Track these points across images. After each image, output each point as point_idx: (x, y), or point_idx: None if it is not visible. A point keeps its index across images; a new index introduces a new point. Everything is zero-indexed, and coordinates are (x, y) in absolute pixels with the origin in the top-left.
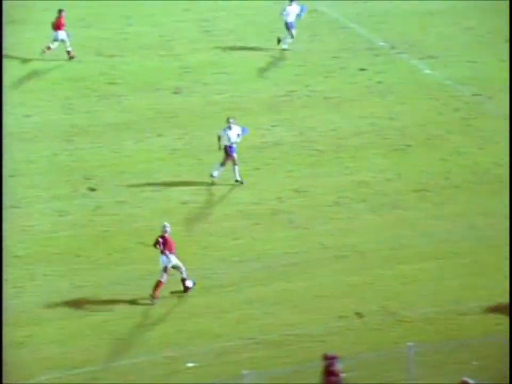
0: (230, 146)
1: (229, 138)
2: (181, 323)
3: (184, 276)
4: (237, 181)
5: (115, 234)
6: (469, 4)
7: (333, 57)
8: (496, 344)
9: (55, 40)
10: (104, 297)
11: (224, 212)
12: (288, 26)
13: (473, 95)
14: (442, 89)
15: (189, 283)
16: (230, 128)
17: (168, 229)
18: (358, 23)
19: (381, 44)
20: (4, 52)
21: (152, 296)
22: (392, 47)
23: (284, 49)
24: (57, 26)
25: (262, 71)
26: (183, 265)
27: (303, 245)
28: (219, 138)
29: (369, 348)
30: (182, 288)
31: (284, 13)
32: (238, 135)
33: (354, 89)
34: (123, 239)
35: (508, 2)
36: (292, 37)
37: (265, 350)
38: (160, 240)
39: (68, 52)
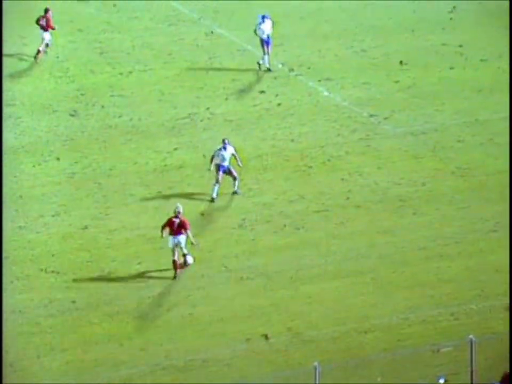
0: (222, 166)
1: (223, 159)
2: (83, 351)
3: (185, 251)
4: (234, 192)
5: (15, 261)
6: (362, 27)
7: (233, 79)
8: (400, 359)
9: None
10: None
11: (126, 236)
12: (263, 44)
13: (370, 115)
14: (340, 110)
15: (189, 259)
16: (225, 148)
17: (180, 209)
18: (255, 46)
19: (279, 66)
20: None
21: (175, 277)
22: (290, 70)
23: (267, 69)
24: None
25: (161, 93)
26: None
27: (207, 269)
28: (212, 158)
29: (275, 369)
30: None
31: (259, 31)
32: (233, 154)
33: (255, 112)
34: (24, 266)
35: (400, 25)
36: (268, 53)
37: (171, 375)
38: (175, 220)
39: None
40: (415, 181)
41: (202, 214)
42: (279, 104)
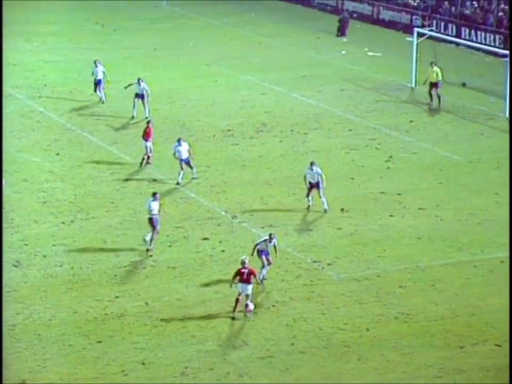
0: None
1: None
2: None
3: (249, 301)
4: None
5: None
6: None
7: (176, 227)
8: None
9: None
10: None
11: None
12: (183, 163)
13: (314, 262)
14: (284, 256)
15: (251, 305)
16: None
17: (246, 260)
18: (198, 193)
19: (223, 213)
20: None
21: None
22: (234, 217)
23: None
24: None
25: (104, 241)
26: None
27: None
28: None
29: None
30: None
31: (177, 154)
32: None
33: (198, 258)
34: None
35: (339, 173)
36: (195, 175)
37: None
38: (244, 270)
39: None
40: (359, 326)
41: (143, 363)
42: (222, 251)
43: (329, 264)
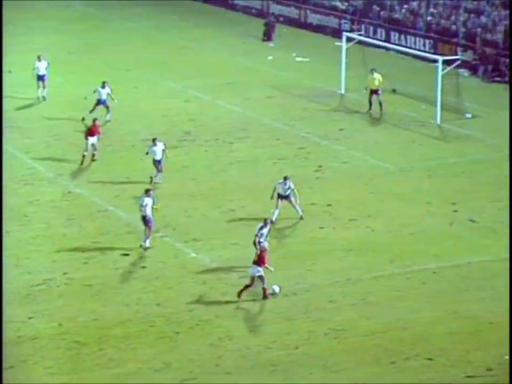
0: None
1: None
2: None
3: (265, 285)
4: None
5: None
6: (230, 186)
7: (93, 242)
8: None
9: None
10: None
11: None
12: (156, 164)
13: (240, 277)
14: (209, 272)
15: (276, 288)
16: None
17: (265, 245)
18: (117, 206)
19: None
20: None
21: (239, 296)
22: (155, 231)
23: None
24: None
25: (17, 258)
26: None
27: None
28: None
29: None
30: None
31: (152, 153)
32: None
33: (117, 275)
34: None
35: (267, 185)
36: (161, 171)
37: None
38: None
39: None
40: (288, 344)
41: None
42: (143, 267)
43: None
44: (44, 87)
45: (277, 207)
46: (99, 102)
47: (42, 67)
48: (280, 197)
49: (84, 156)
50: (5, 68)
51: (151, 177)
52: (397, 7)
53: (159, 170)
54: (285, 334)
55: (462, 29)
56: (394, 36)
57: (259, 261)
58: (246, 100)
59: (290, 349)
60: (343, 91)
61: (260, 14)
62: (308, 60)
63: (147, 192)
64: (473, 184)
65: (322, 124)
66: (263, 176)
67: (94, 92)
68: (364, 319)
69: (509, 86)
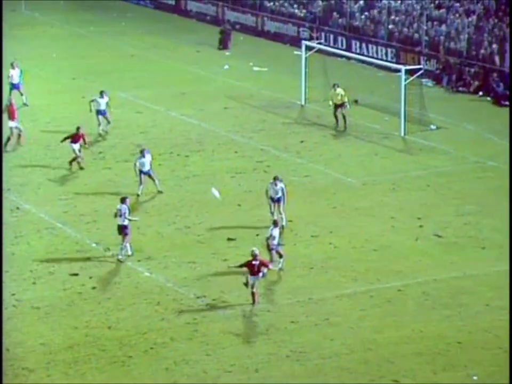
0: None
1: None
2: None
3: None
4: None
5: None
6: (184, 202)
7: (41, 261)
8: None
9: None
10: None
11: None
12: (142, 176)
13: (197, 297)
14: (163, 292)
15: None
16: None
17: (257, 252)
18: (65, 223)
19: (93, 245)
20: None
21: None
22: (106, 249)
23: None
24: None
25: None
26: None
27: None
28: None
29: None
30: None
31: (138, 165)
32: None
33: (66, 297)
34: None
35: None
36: (159, 187)
37: None
38: (254, 263)
39: None
40: (247, 368)
41: None
42: (93, 288)
43: (214, 300)
44: (21, 94)
45: (271, 212)
46: (98, 112)
47: (15, 74)
48: (272, 199)
49: (76, 162)
50: None
51: (138, 195)
52: (357, 14)
53: (153, 179)
54: (244, 356)
55: (425, 38)
56: (355, 44)
57: (259, 271)
58: (201, 110)
59: (250, 372)
60: (303, 102)
61: (215, 21)
62: (265, 69)
63: (123, 200)
64: (439, 198)
65: (281, 136)
66: (220, 191)
67: (92, 101)
68: (327, 340)
69: (509, 91)
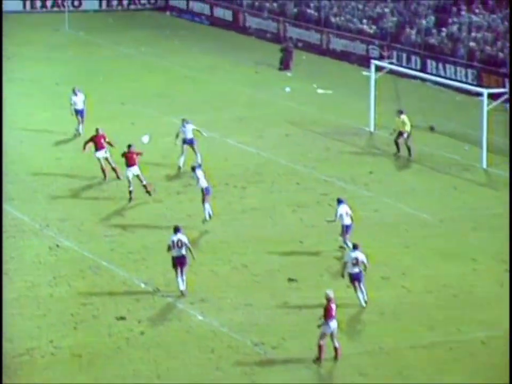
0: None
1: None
2: None
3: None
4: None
5: None
6: (241, 238)
7: (83, 303)
8: None
9: None
10: None
11: None
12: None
13: (255, 345)
14: (217, 338)
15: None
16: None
17: (331, 295)
18: (111, 261)
19: (142, 285)
20: None
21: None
22: (156, 290)
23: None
24: None
25: None
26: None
27: None
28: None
29: None
30: None
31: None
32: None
33: (111, 343)
34: None
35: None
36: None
37: None
38: (332, 306)
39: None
40: None
41: None
42: (142, 333)
43: (273, 348)
44: (79, 123)
45: (346, 242)
46: (184, 141)
47: (79, 101)
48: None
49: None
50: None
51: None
52: (433, 31)
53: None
54: None
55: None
56: (431, 64)
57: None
58: (260, 137)
59: None
60: (372, 128)
61: (276, 38)
62: (330, 92)
63: (177, 230)
64: None
65: (348, 166)
66: (280, 226)
67: (177, 135)
68: None
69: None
